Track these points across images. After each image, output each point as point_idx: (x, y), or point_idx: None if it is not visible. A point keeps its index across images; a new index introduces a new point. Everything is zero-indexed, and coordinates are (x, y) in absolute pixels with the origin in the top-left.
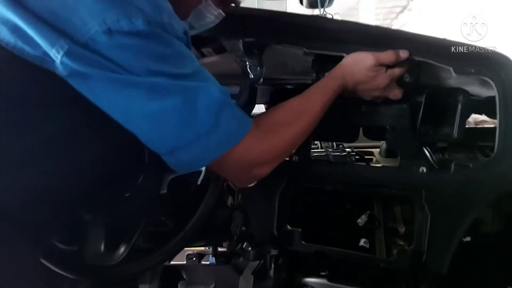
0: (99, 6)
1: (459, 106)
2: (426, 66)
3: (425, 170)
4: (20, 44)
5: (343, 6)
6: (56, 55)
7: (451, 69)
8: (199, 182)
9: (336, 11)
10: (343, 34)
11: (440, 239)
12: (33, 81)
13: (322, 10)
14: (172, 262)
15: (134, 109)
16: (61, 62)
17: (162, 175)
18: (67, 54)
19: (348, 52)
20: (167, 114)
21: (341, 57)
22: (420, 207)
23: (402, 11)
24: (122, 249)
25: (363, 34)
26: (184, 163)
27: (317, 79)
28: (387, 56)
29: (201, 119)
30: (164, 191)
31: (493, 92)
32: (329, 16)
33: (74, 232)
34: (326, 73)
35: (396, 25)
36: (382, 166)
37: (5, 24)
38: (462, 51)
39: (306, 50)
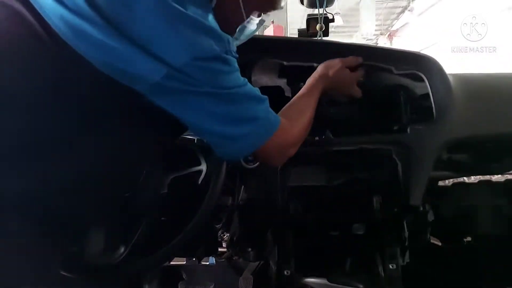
0: (188, 39)
1: (402, 97)
2: (374, 70)
3: (390, 134)
4: (115, 64)
5: (344, 7)
6: (153, 77)
7: (393, 68)
8: (199, 182)
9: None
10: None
11: (411, 179)
12: (113, 96)
13: (322, 10)
14: (172, 262)
15: (205, 110)
16: (156, 83)
17: (163, 175)
18: (165, 77)
19: (318, 62)
20: (230, 113)
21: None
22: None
23: (402, 12)
24: (122, 249)
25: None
26: (238, 151)
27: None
28: (350, 60)
29: (254, 113)
30: (164, 190)
31: (424, 90)
32: (329, 16)
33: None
34: (308, 79)
35: (396, 25)
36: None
37: (101, 47)
38: (401, 54)
39: (285, 62)
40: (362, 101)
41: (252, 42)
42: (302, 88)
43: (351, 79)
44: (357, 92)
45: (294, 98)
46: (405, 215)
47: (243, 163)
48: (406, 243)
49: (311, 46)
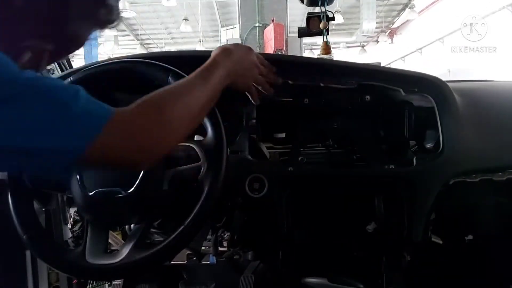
0: None
1: (407, 113)
2: (382, 89)
3: (393, 167)
4: None
5: (344, 5)
6: None
7: (401, 90)
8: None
9: (337, 9)
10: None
11: (414, 214)
12: None
13: (323, 8)
14: (172, 262)
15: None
16: None
17: (163, 172)
18: None
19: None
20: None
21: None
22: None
23: (403, 9)
24: (124, 249)
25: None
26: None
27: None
28: (262, 59)
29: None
30: (165, 188)
31: (430, 104)
32: (329, 14)
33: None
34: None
35: (397, 22)
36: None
37: None
38: (408, 75)
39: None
40: (369, 123)
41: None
42: (193, 72)
43: (256, 65)
44: (254, 93)
45: (181, 80)
46: (404, 249)
47: (248, 192)
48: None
49: (315, 66)
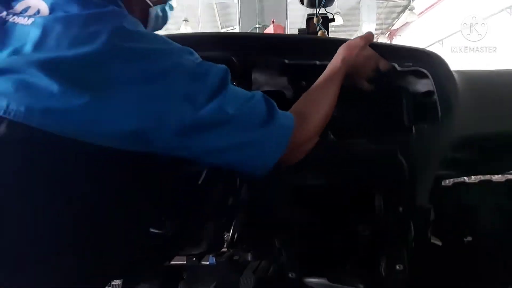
0: (178, 63)
1: (405, 95)
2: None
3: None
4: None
5: (344, 6)
6: (182, 120)
7: (396, 65)
8: (199, 182)
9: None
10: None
11: (417, 179)
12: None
13: (322, 9)
14: (172, 262)
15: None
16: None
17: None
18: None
19: (320, 60)
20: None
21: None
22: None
23: (403, 11)
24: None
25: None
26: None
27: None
28: (369, 36)
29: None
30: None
31: (428, 87)
32: (329, 15)
33: None
34: (330, 63)
35: (397, 24)
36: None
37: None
38: (404, 50)
39: (287, 61)
40: (365, 101)
41: (252, 40)
42: (323, 74)
43: (374, 58)
44: (384, 64)
45: (312, 87)
46: (411, 216)
47: None
48: (413, 244)
49: (312, 44)
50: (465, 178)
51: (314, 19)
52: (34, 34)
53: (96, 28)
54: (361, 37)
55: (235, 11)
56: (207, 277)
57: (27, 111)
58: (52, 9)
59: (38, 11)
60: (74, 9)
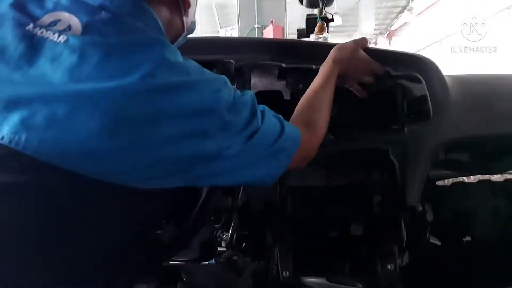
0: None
1: (398, 97)
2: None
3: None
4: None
5: (343, 6)
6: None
7: (390, 69)
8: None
9: (335, 11)
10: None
11: (408, 179)
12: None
13: (322, 9)
14: (171, 263)
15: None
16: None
17: None
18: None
19: (317, 64)
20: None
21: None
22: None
23: (402, 11)
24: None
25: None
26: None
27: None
28: (363, 40)
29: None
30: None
31: (421, 91)
32: (328, 16)
33: None
34: (322, 66)
35: (396, 24)
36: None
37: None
38: (398, 55)
39: (284, 65)
40: (358, 102)
41: (251, 44)
42: (317, 77)
43: (367, 60)
44: (358, 89)
45: (309, 91)
46: (402, 215)
47: None
48: (404, 243)
49: (309, 48)
50: (464, 178)
51: (316, 11)
52: (70, 58)
53: (138, 58)
54: (354, 40)
55: (234, 11)
56: (206, 277)
57: (62, 154)
58: (86, 28)
59: (69, 27)
60: (111, 31)
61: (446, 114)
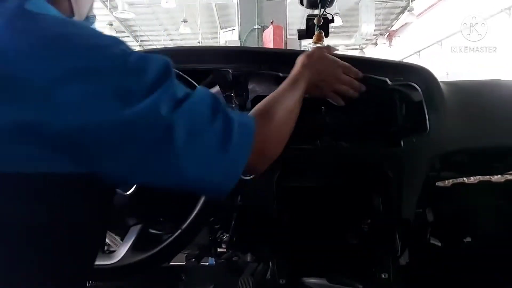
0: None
1: (397, 100)
2: (368, 82)
3: (382, 148)
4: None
5: (343, 7)
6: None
7: (387, 79)
8: None
9: (336, 11)
10: None
11: (402, 192)
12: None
13: (322, 10)
14: (171, 263)
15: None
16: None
17: None
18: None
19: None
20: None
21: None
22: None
23: (402, 12)
24: (121, 249)
25: None
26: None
27: None
28: (328, 46)
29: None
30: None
31: (418, 100)
32: (329, 16)
33: None
34: (291, 72)
35: (396, 25)
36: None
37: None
38: (394, 65)
39: (281, 74)
40: (355, 112)
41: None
42: (284, 81)
43: (337, 62)
44: (334, 96)
45: (273, 92)
46: (397, 228)
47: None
48: (399, 253)
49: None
50: (464, 179)
51: (315, 20)
52: None
53: None
54: (318, 47)
55: (234, 11)
56: (206, 278)
57: None
58: None
59: None
60: None
61: (443, 125)
